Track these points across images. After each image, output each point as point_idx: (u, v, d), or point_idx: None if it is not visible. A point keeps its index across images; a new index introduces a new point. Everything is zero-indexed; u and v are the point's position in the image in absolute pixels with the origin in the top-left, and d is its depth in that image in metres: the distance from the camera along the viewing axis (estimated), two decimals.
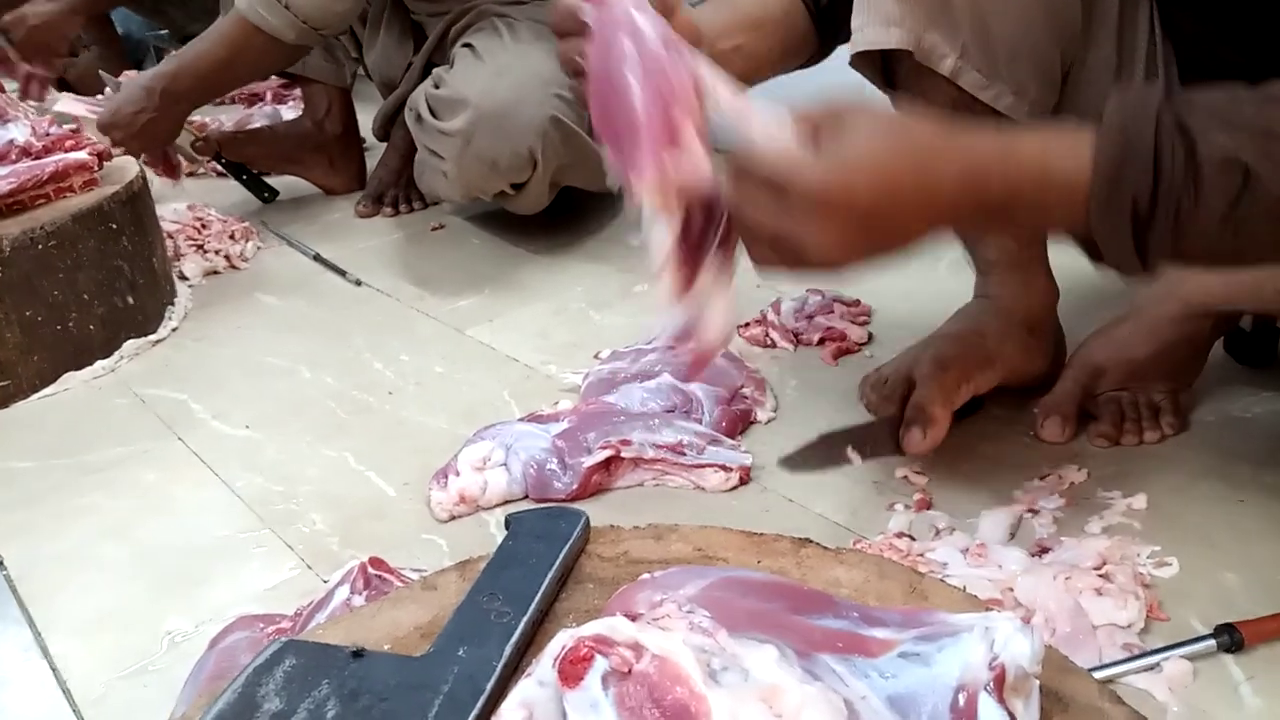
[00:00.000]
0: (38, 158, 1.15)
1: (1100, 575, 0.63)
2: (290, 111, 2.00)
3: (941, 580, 0.49)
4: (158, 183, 1.43)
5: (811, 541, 0.52)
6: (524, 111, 1.22)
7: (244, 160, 1.64)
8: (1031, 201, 0.54)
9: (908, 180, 0.53)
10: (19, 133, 1.17)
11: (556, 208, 1.48)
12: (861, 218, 0.52)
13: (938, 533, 0.73)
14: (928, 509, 0.76)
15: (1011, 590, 0.63)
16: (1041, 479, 0.78)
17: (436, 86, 1.25)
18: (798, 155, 0.53)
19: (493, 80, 1.23)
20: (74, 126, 1.29)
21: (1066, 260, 0.93)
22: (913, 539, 0.72)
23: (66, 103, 1.37)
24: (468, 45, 1.30)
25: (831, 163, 0.52)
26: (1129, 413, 0.84)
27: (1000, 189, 0.54)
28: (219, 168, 1.68)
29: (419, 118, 1.26)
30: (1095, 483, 0.78)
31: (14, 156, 1.15)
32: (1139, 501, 0.74)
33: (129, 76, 1.42)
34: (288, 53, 1.34)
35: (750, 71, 0.79)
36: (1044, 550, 0.69)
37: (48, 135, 1.20)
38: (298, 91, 1.89)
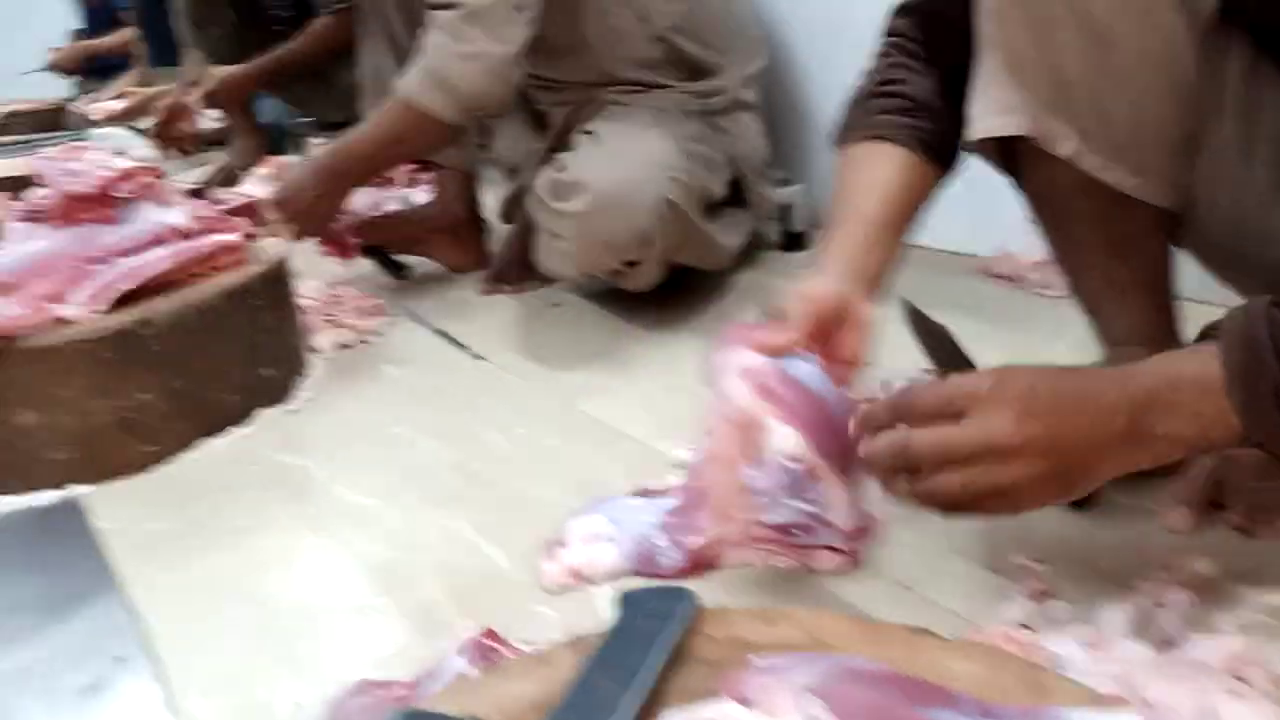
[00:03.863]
0: (192, 239, 1.24)
1: (1234, 677, 0.60)
2: (420, 195, 2.10)
3: (1063, 675, 0.48)
4: (298, 260, 1.51)
5: (927, 631, 0.51)
6: (639, 194, 1.26)
7: (376, 244, 1.73)
8: (1169, 402, 0.60)
9: (1060, 381, 0.63)
10: (176, 216, 1.26)
11: (667, 285, 1.51)
12: (1027, 403, 0.61)
13: (1056, 623, 0.70)
14: (1046, 598, 0.74)
15: (1136, 688, 0.60)
16: (1167, 570, 0.75)
17: (558, 171, 1.31)
18: (952, 380, 0.65)
19: (610, 164, 1.28)
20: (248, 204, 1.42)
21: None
22: (1030, 629, 0.69)
23: (252, 184, 1.47)
24: (588, 132, 1.35)
25: (992, 372, 0.63)
26: (1265, 503, 0.80)
27: (1139, 391, 0.61)
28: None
29: (541, 200, 1.32)
30: (1227, 578, 0.74)
31: (171, 238, 1.24)
32: (1278, 599, 0.70)
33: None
34: (447, 133, 1.40)
35: (900, 256, 0.85)
36: (1171, 647, 0.66)
37: (202, 218, 1.29)
38: (428, 175, 1.98)
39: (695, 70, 1.46)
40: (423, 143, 1.45)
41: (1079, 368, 0.69)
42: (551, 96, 1.52)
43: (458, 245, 1.75)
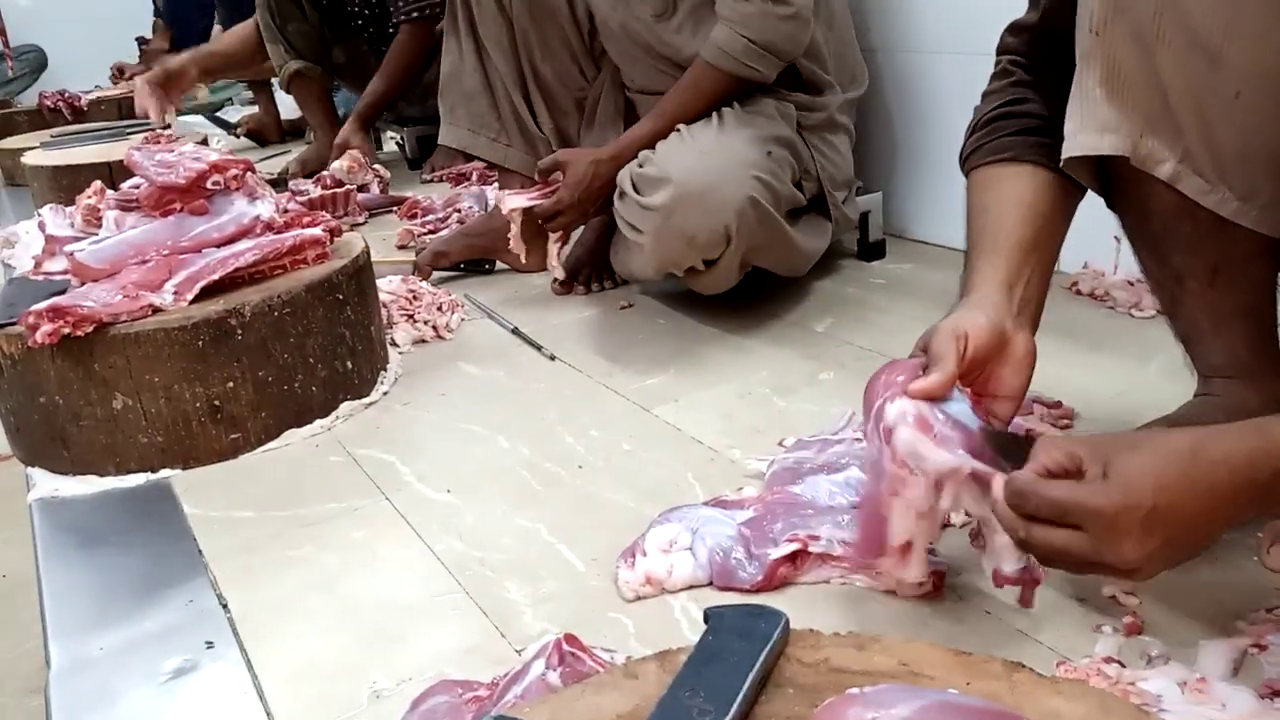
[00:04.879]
0: (279, 232, 1.27)
1: None
2: (492, 190, 2.12)
3: None
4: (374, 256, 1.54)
5: (1025, 666, 0.50)
6: (723, 190, 1.26)
7: (451, 264, 1.76)
8: None
9: (1184, 484, 0.59)
10: (264, 209, 1.29)
11: (742, 290, 1.51)
12: (1148, 525, 0.59)
13: (1150, 661, 0.69)
14: (1138, 634, 0.72)
15: None
16: (1269, 611, 0.73)
17: (641, 166, 1.31)
18: (1080, 485, 0.61)
19: (696, 160, 1.28)
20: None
21: None
22: (1123, 665, 0.68)
23: (512, 199, 1.47)
24: (676, 129, 1.35)
25: (1113, 486, 0.60)
26: None
27: (1269, 475, 0.58)
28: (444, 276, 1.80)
29: (622, 194, 1.32)
30: None
31: (259, 231, 1.27)
32: None
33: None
34: (751, 88, 1.41)
35: (1049, 280, 0.83)
36: (1275, 693, 0.64)
37: (287, 212, 1.32)
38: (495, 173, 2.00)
39: (800, 84, 1.45)
40: (723, 103, 1.41)
41: (1201, 444, 0.61)
42: (645, 84, 1.53)
43: (525, 249, 1.75)
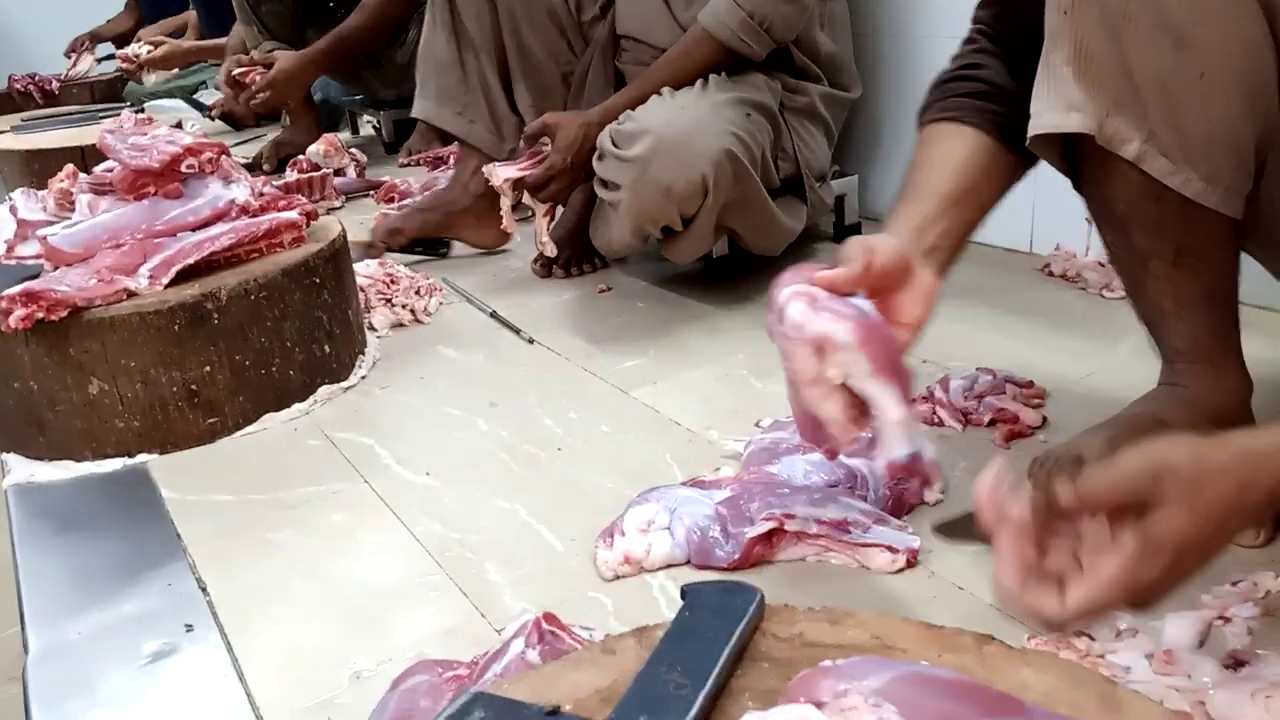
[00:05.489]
0: (254, 216, 1.26)
1: None
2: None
3: (1136, 692, 0.48)
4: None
5: (995, 639, 0.51)
6: (701, 140, 1.27)
7: (407, 240, 1.74)
8: None
9: (1209, 534, 0.55)
10: (239, 193, 1.28)
11: (720, 273, 1.52)
12: (1173, 577, 0.56)
13: (1119, 633, 0.70)
14: None
15: (1203, 704, 0.60)
16: (1233, 584, 0.74)
17: (621, 123, 1.31)
18: (1111, 567, 0.56)
19: (675, 113, 1.30)
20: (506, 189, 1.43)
21: (1263, 353, 0.89)
22: (1091, 638, 0.69)
23: (502, 169, 1.45)
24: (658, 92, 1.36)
25: (1140, 556, 0.55)
26: None
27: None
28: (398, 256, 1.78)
29: (601, 155, 1.32)
30: None
31: (234, 214, 1.26)
32: None
33: None
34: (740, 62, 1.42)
35: (967, 235, 0.83)
36: (1239, 663, 0.65)
37: (262, 195, 1.31)
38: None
39: (791, 70, 1.46)
40: (708, 73, 1.41)
41: (1233, 458, 0.56)
42: (636, 55, 1.53)
43: (480, 224, 1.74)
